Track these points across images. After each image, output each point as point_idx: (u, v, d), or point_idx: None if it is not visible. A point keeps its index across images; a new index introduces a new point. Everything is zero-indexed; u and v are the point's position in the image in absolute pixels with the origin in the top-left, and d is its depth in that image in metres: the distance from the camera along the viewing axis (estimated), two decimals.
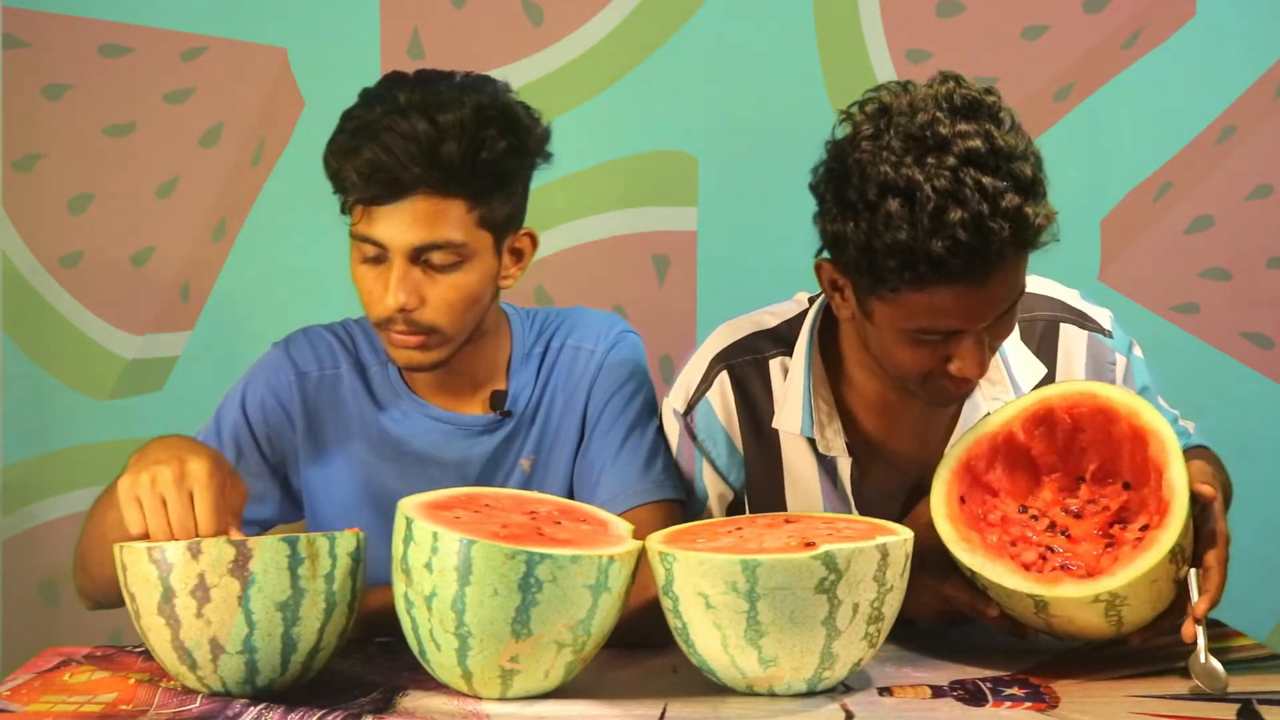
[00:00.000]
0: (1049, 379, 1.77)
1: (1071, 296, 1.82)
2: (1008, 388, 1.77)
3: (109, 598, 1.71)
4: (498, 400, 1.82)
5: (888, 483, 1.78)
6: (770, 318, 1.82)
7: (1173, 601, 1.55)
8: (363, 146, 1.64)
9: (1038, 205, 1.56)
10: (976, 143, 1.53)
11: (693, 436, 1.80)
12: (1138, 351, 1.83)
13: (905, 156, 1.53)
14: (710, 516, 1.82)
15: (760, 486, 1.81)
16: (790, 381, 1.77)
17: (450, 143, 1.63)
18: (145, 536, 1.52)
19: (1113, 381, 1.77)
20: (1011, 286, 1.59)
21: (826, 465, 1.79)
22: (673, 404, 1.81)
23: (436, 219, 1.66)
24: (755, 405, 1.78)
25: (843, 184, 1.57)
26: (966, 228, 1.50)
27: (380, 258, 1.68)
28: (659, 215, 2.32)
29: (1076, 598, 1.50)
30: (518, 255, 1.78)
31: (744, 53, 2.29)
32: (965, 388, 1.67)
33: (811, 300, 1.82)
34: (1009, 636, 1.61)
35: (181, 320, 2.32)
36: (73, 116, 2.30)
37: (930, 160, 1.52)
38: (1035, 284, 1.77)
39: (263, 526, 1.82)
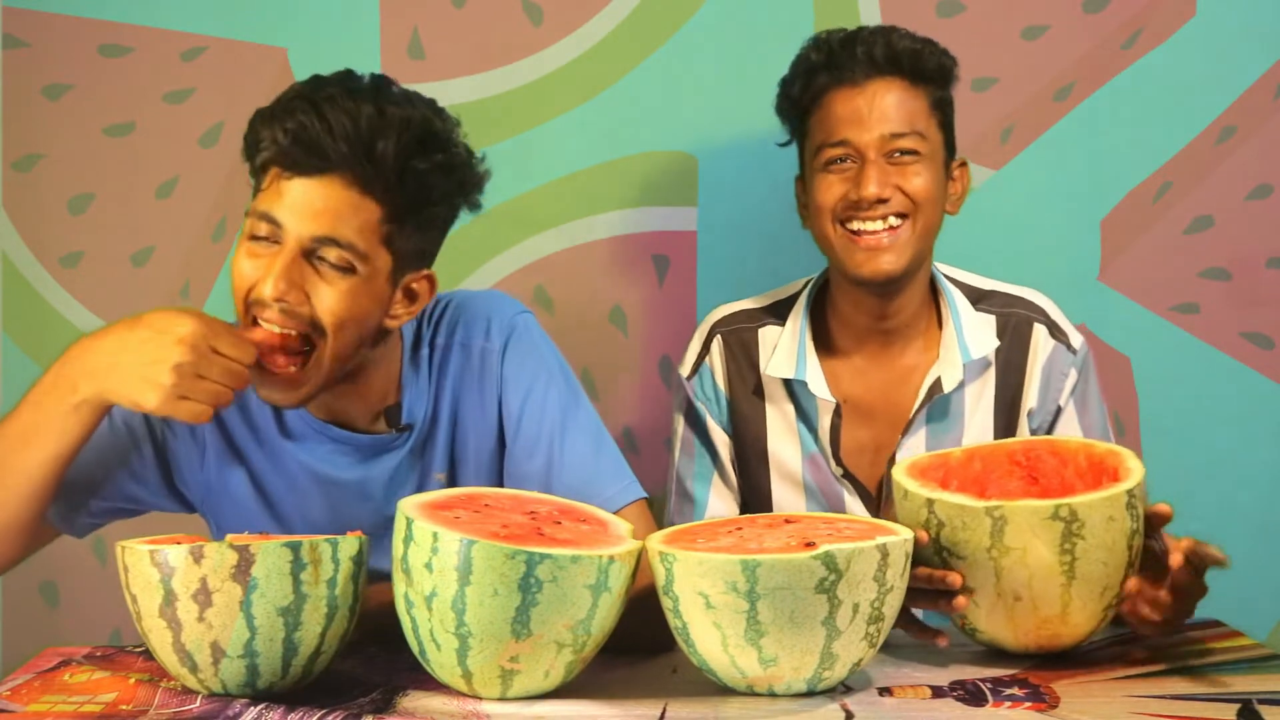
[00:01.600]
0: (1018, 362, 1.96)
1: (1052, 309, 2.01)
2: (956, 352, 1.95)
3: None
4: (392, 416, 1.74)
5: (860, 437, 1.98)
6: (765, 298, 2.07)
7: (1136, 565, 1.59)
8: (297, 110, 1.54)
9: (931, 51, 1.92)
10: (887, 28, 1.93)
11: (699, 398, 2.02)
12: (1091, 372, 1.99)
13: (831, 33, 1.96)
14: (722, 468, 2.02)
15: (746, 438, 2.01)
16: (784, 338, 2.00)
17: (390, 135, 1.55)
18: (214, 410, 1.54)
19: (1059, 390, 1.97)
20: (898, 110, 1.89)
21: (807, 419, 1.98)
22: (681, 371, 2.06)
23: (345, 213, 1.56)
24: (745, 365, 2.02)
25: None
26: (864, 40, 1.91)
27: (272, 238, 1.57)
28: (659, 215, 2.32)
29: (1036, 508, 1.53)
30: (412, 296, 1.67)
31: (744, 53, 2.29)
32: (876, 236, 1.89)
33: (806, 284, 2.05)
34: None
35: None
36: (73, 116, 2.30)
37: (837, 30, 1.95)
38: (1022, 291, 2.02)
39: (138, 505, 1.75)
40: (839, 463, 1.97)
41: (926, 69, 1.91)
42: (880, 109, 1.89)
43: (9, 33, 2.28)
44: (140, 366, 1.52)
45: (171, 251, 2.31)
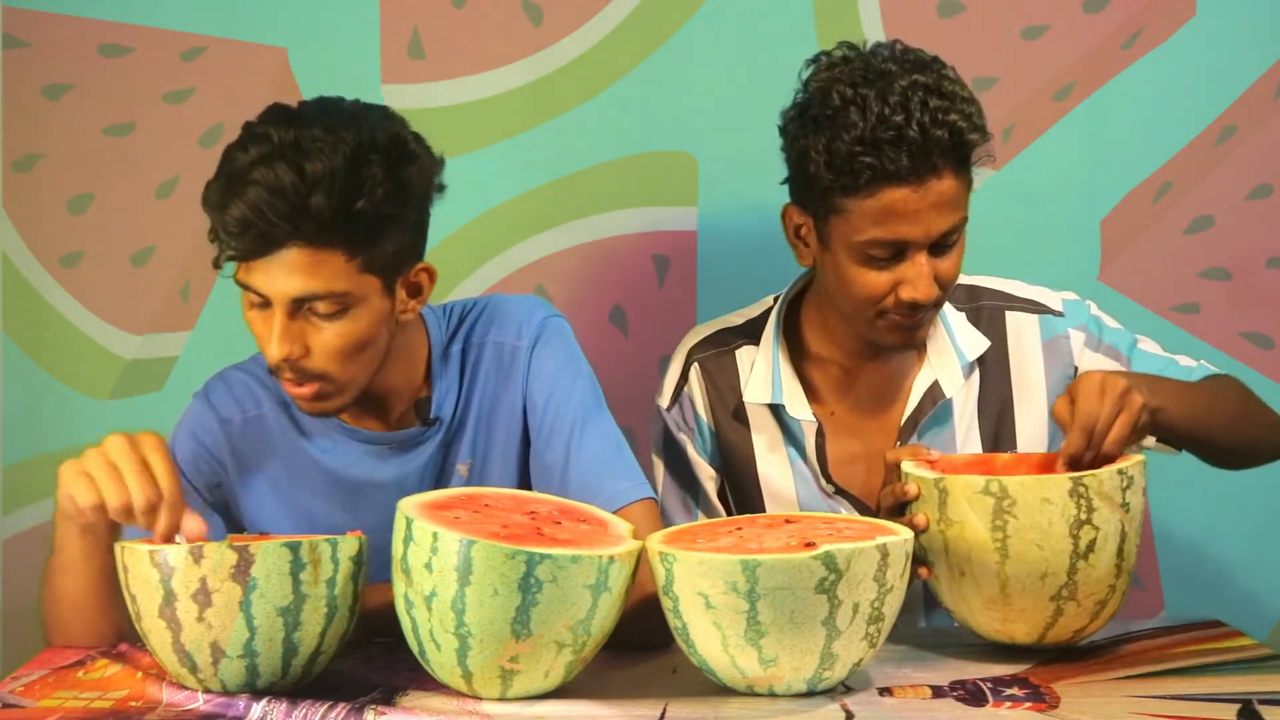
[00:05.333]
0: (999, 358, 1.92)
1: (1015, 286, 1.97)
2: (953, 357, 1.91)
3: (86, 649, 1.68)
4: (422, 410, 1.77)
5: (850, 448, 1.92)
6: (736, 318, 2.00)
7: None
8: (231, 201, 1.56)
9: (975, 130, 1.77)
10: (923, 78, 1.76)
11: (680, 429, 1.95)
12: (1095, 311, 1.96)
13: (862, 82, 1.76)
14: (707, 501, 1.96)
15: (735, 465, 1.95)
16: (758, 360, 1.94)
17: (319, 195, 1.56)
18: (100, 509, 1.50)
19: (1069, 353, 1.93)
20: (952, 205, 1.77)
21: (793, 439, 1.93)
22: (660, 403, 1.97)
23: (314, 270, 1.59)
24: (725, 391, 1.95)
25: (807, 106, 1.80)
26: (913, 128, 1.72)
27: (266, 304, 1.62)
28: (659, 215, 2.31)
29: (969, 481, 1.58)
30: (415, 290, 1.70)
31: (744, 53, 2.29)
32: (916, 322, 1.82)
33: (776, 300, 1.98)
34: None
35: (181, 320, 2.31)
36: (73, 116, 2.29)
37: (881, 84, 1.75)
38: (981, 280, 1.97)
39: None
40: (829, 480, 1.92)
41: (974, 150, 1.79)
42: (937, 207, 1.76)
43: (9, 33, 2.28)
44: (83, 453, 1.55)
45: (171, 251, 2.31)
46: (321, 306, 1.61)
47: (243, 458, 1.78)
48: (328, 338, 1.63)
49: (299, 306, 1.61)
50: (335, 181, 1.56)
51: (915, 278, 1.78)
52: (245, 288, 1.63)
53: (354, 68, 2.27)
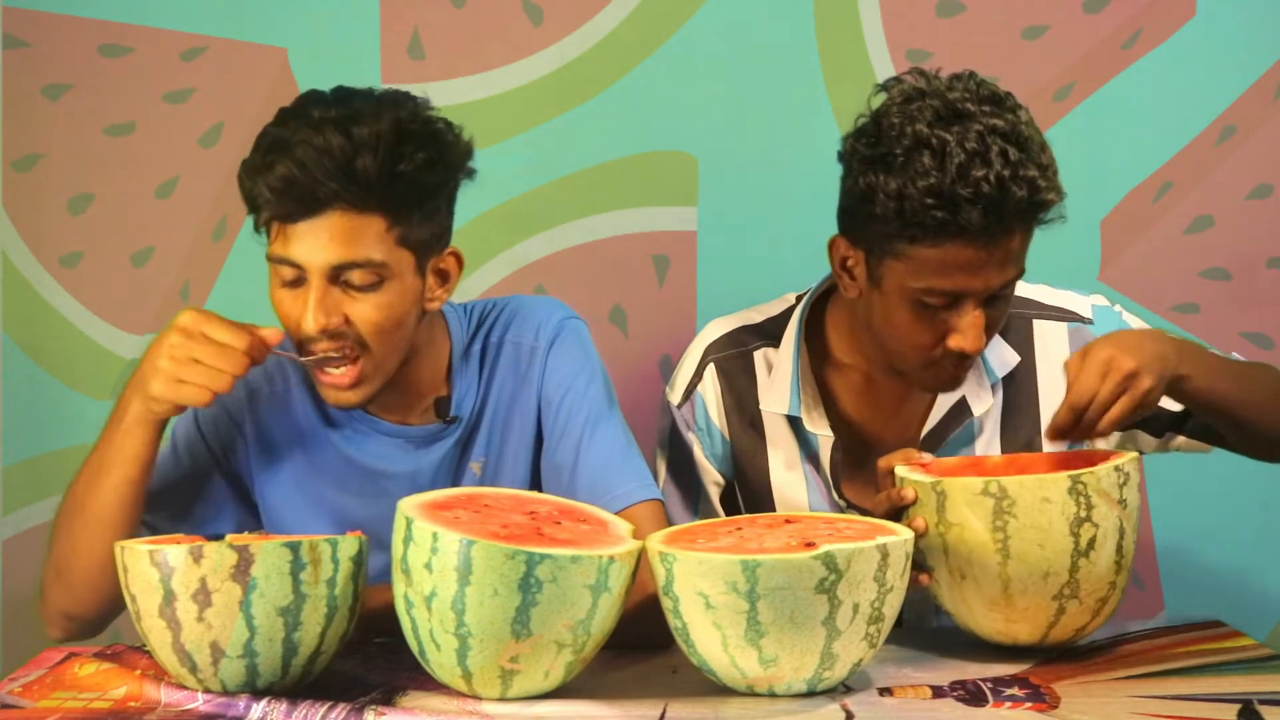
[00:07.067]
0: (1027, 369, 1.87)
1: (1042, 292, 1.91)
2: (982, 374, 1.86)
3: (94, 607, 1.69)
4: (441, 407, 1.79)
5: (867, 462, 1.85)
6: (757, 314, 1.94)
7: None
8: (276, 162, 1.59)
9: (1050, 186, 1.69)
10: (1000, 122, 1.66)
11: (689, 428, 1.91)
12: (1125, 316, 1.91)
13: (937, 121, 1.66)
14: (708, 503, 1.92)
15: (748, 472, 1.91)
16: (777, 367, 1.88)
17: (366, 155, 1.59)
18: (211, 399, 1.59)
19: None
20: (1014, 261, 1.71)
21: (808, 449, 1.88)
22: (670, 398, 1.92)
23: (354, 236, 1.61)
24: (741, 395, 1.90)
25: (877, 142, 1.69)
26: (990, 184, 1.63)
27: (299, 280, 1.63)
28: (659, 215, 2.31)
29: (968, 483, 1.57)
30: (443, 277, 1.73)
31: (744, 53, 2.29)
32: (961, 370, 1.77)
33: (799, 299, 1.92)
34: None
35: None
36: (73, 116, 2.30)
37: (958, 127, 1.65)
38: None
39: (223, 531, 1.78)
40: (841, 495, 1.87)
41: (1047, 211, 1.71)
42: (1001, 263, 1.69)
43: (9, 33, 2.28)
44: (150, 360, 1.62)
45: (171, 251, 2.31)
46: (358, 277, 1.63)
47: (263, 429, 1.79)
48: (365, 310, 1.64)
49: (335, 277, 1.63)
50: (380, 144, 1.60)
51: (966, 328, 1.71)
52: (280, 262, 1.64)
53: (354, 68, 2.27)
